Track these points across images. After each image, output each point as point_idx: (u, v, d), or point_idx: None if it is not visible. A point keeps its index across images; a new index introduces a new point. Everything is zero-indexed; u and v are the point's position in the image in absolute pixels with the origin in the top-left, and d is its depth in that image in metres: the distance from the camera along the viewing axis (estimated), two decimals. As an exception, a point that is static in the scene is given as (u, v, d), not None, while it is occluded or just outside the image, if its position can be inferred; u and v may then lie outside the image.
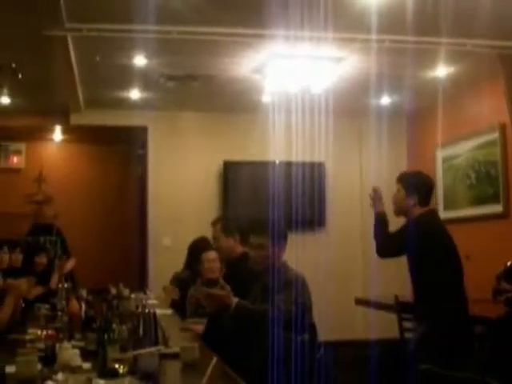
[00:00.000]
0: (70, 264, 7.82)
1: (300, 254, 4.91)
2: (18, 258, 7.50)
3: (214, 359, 2.05)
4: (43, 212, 11.35)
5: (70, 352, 3.59)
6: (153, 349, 3.47)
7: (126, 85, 8.74)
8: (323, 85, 8.10)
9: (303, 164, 9.52)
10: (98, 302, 4.84)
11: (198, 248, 6.77)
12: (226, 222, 5.81)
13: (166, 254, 8.11)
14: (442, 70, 8.19)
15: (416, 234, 4.95)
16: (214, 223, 6.18)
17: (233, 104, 9.75)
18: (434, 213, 5.47)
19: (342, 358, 4.62)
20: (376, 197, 5.40)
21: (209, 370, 2.06)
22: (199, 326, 5.27)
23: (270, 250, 4.59)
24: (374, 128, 9.68)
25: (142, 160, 10.83)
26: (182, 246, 7.66)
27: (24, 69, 7.87)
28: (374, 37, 6.54)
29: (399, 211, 5.33)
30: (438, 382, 2.79)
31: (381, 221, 5.33)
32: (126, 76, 8.24)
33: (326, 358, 4.28)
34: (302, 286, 4.46)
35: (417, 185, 5.24)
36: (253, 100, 9.31)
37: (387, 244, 5.27)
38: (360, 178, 10.49)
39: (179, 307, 6.63)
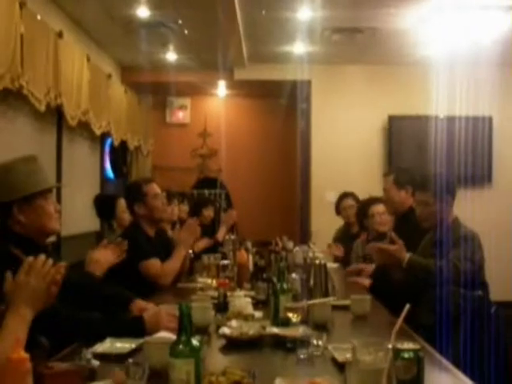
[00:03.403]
0: (232, 216, 7.93)
1: (466, 209, 4.76)
2: (186, 210, 7.72)
3: (407, 306, 2.00)
4: (208, 166, 11.60)
5: (242, 300, 3.64)
6: (325, 299, 3.48)
7: (290, 39, 8.72)
8: (491, 35, 7.81)
9: (469, 118, 9.26)
10: (267, 253, 4.91)
11: (363, 202, 6.70)
12: (398, 174, 5.63)
13: (329, 209, 8.07)
14: None
15: None
16: (385, 175, 6.05)
17: (397, 57, 9.54)
18: None
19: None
20: None
21: (400, 319, 2.02)
22: (365, 280, 5.24)
23: (435, 207, 4.50)
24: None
25: (305, 114, 10.83)
26: (345, 201, 7.62)
27: (190, 25, 7.99)
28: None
29: None
30: None
31: None
32: (290, 30, 8.22)
33: (498, 316, 4.16)
34: (476, 243, 4.35)
35: None
36: (418, 52, 9.11)
37: None
38: (530, 132, 10.11)
39: (343, 263, 6.61)
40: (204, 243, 7.08)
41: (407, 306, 2.00)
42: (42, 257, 2.47)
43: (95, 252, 4.17)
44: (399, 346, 1.99)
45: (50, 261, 2.48)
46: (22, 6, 5.81)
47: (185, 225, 5.50)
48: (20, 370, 1.90)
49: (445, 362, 2.82)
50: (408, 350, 2.00)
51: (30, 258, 2.47)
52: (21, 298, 2.39)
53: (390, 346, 1.94)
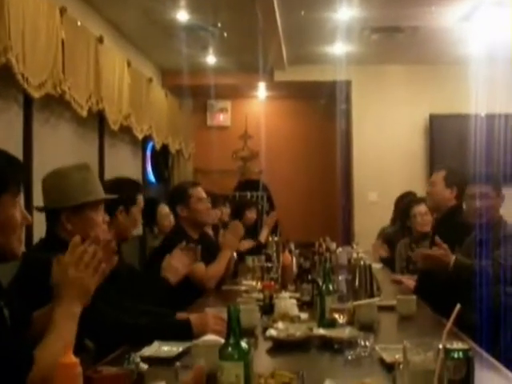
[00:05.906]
0: (272, 218, 7.92)
1: (506, 208, 4.70)
2: (227, 212, 7.74)
3: (458, 306, 1.98)
4: (249, 168, 11.61)
5: (287, 302, 3.64)
6: (371, 300, 3.46)
7: (329, 39, 8.69)
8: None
9: (509, 116, 9.15)
10: (310, 254, 4.90)
11: (405, 202, 6.65)
12: (450, 172, 5.52)
13: (371, 210, 8.05)
14: None
15: None
16: (437, 169, 5.95)
17: (439, 55, 9.45)
18: None
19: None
20: None
21: (451, 319, 2.00)
22: (410, 281, 5.20)
23: (494, 201, 4.46)
24: None
25: (346, 114, 10.80)
26: (387, 201, 7.61)
27: (229, 28, 8.01)
28: None
29: None
30: None
31: None
32: (329, 30, 8.18)
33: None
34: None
35: None
36: (459, 51, 9.01)
37: None
38: None
39: (388, 262, 6.57)
40: (248, 244, 7.09)
41: (457, 307, 1.98)
42: (92, 248, 2.35)
43: (173, 258, 4.21)
44: (448, 345, 1.97)
45: (100, 253, 2.33)
46: (62, 12, 5.87)
47: (229, 226, 5.52)
48: (70, 374, 1.89)
49: (493, 361, 2.79)
50: (457, 350, 1.97)
51: (80, 248, 2.30)
52: (71, 294, 2.23)
53: (440, 346, 1.93)
